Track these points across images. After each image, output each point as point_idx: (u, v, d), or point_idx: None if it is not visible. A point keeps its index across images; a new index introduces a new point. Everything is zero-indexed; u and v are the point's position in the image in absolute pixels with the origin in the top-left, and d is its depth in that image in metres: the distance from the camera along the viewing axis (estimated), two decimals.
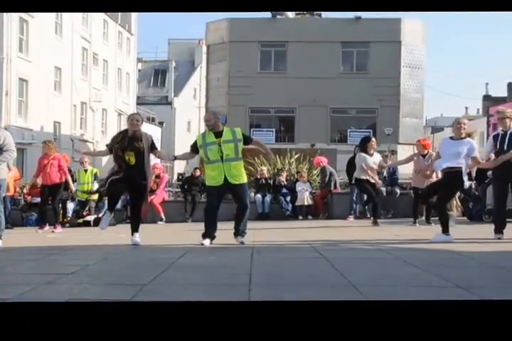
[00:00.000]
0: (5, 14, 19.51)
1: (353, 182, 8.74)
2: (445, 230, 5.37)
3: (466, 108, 45.86)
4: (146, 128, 35.90)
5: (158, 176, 10.80)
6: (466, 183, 5.64)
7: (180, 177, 19.26)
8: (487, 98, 35.08)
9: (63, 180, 8.51)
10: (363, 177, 8.14)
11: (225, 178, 5.26)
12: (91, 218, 10.26)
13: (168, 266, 3.77)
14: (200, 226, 5.84)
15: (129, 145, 5.32)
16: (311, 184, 11.17)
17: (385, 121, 22.62)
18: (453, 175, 5.42)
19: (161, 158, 5.96)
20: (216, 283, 3.16)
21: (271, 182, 11.07)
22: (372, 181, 8.16)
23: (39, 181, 11.08)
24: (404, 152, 19.65)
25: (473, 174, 9.95)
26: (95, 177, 10.65)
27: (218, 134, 5.31)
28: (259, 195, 10.68)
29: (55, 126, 23.57)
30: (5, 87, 19.79)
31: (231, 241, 5.53)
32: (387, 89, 22.17)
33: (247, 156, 6.79)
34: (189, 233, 7.08)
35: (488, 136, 31.18)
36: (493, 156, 5.91)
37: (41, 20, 21.55)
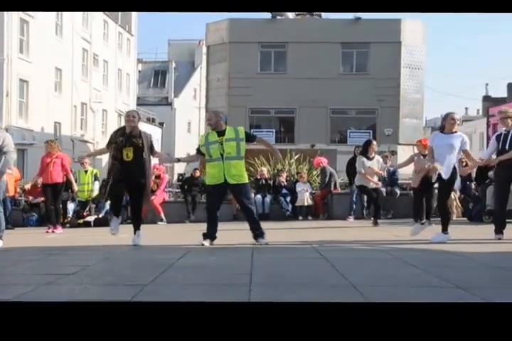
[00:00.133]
0: (5, 15, 19.53)
1: (355, 185, 8.78)
2: (445, 229, 5.38)
3: (466, 108, 45.94)
4: (147, 128, 35.97)
5: (158, 177, 10.82)
6: (457, 182, 5.61)
7: (180, 177, 19.25)
8: (487, 98, 35.11)
9: (65, 179, 8.52)
10: (364, 184, 8.19)
11: (225, 178, 5.24)
12: (91, 218, 10.28)
13: (168, 267, 3.77)
14: (201, 227, 5.84)
15: (127, 141, 5.31)
16: (311, 184, 11.18)
17: (385, 122, 22.62)
18: (447, 179, 5.44)
19: (161, 161, 5.94)
20: (216, 284, 3.16)
21: (271, 182, 11.07)
22: (373, 186, 8.20)
23: (39, 181, 11.11)
24: (404, 152, 19.66)
25: (473, 175, 9.97)
26: (95, 177, 10.66)
27: (221, 133, 5.31)
28: (259, 196, 10.68)
29: (56, 126, 23.59)
30: (5, 87, 19.81)
31: (231, 241, 5.54)
32: (387, 89, 22.17)
33: (247, 157, 6.80)
34: (189, 233, 7.09)
35: (488, 136, 31.25)
36: (494, 157, 5.92)
37: (42, 21, 21.58)
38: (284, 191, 10.92)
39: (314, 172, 11.83)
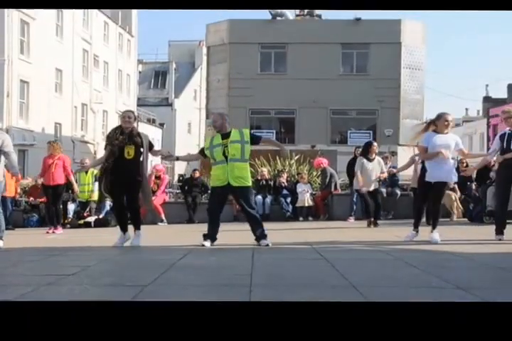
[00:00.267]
0: (6, 16, 19.56)
1: (354, 188, 8.80)
2: (435, 228, 5.41)
3: (467, 109, 45.88)
4: (147, 129, 36.01)
5: (158, 177, 10.82)
6: (454, 178, 5.61)
7: (180, 178, 19.27)
8: (487, 99, 35.10)
9: (66, 181, 8.53)
10: (360, 188, 8.21)
11: (228, 180, 5.23)
12: (92, 219, 10.28)
13: (168, 267, 3.77)
14: (201, 228, 5.85)
15: (129, 139, 5.32)
16: (311, 185, 11.19)
17: (386, 123, 22.63)
18: (442, 185, 5.45)
19: (162, 154, 5.92)
20: (217, 284, 3.16)
21: (271, 183, 11.08)
22: (370, 189, 8.19)
23: (40, 181, 11.12)
24: (404, 153, 19.66)
25: (474, 175, 9.97)
26: (96, 178, 10.66)
27: (225, 136, 5.30)
28: (259, 196, 10.68)
29: (56, 127, 23.61)
30: (6, 88, 19.83)
31: (232, 242, 5.54)
32: (388, 90, 22.18)
33: None
34: (190, 234, 7.09)
35: (488, 137, 31.24)
36: (494, 158, 5.92)
37: (42, 22, 21.61)
38: (285, 192, 10.92)
39: (315, 173, 11.83)
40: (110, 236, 7.04)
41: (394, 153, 19.23)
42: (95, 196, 10.51)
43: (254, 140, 5.42)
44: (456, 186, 9.49)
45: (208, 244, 5.27)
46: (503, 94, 33.34)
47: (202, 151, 5.61)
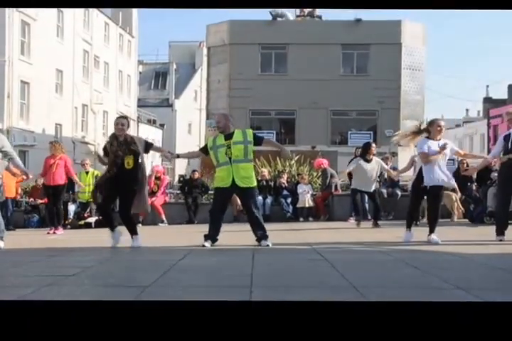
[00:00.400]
0: (7, 17, 19.58)
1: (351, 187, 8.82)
2: (433, 231, 5.43)
3: (467, 110, 45.91)
4: (147, 130, 35.97)
5: (158, 178, 10.83)
6: (451, 182, 5.62)
7: (181, 179, 19.28)
8: (487, 100, 35.11)
9: (66, 181, 8.55)
10: (358, 188, 8.21)
11: (233, 180, 5.21)
12: (92, 220, 10.28)
13: (169, 268, 3.77)
14: (201, 228, 5.85)
15: (127, 149, 5.31)
16: (312, 186, 11.19)
17: (386, 123, 22.63)
18: (438, 189, 5.46)
19: (166, 156, 5.92)
20: (217, 285, 3.16)
21: (272, 184, 11.08)
22: (370, 190, 8.18)
23: (40, 182, 11.12)
24: (405, 154, 19.66)
25: (474, 176, 9.97)
26: (96, 179, 10.67)
27: (228, 136, 5.29)
28: (260, 197, 10.67)
29: (57, 128, 23.62)
30: (7, 89, 19.84)
31: (232, 242, 5.54)
32: (388, 91, 22.19)
33: None
34: (190, 234, 7.09)
35: (488, 137, 31.24)
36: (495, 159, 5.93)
37: (43, 23, 21.63)
38: (285, 192, 10.93)
39: (315, 174, 11.84)
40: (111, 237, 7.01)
41: (394, 154, 19.23)
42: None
43: (257, 141, 5.41)
44: (456, 187, 9.49)
45: (208, 244, 5.27)
46: (503, 94, 33.39)
47: (203, 149, 5.59)
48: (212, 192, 11.36)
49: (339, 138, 23.27)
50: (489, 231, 5.79)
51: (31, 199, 11.10)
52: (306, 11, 24.59)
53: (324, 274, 3.49)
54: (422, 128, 5.68)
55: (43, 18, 21.54)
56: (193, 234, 6.49)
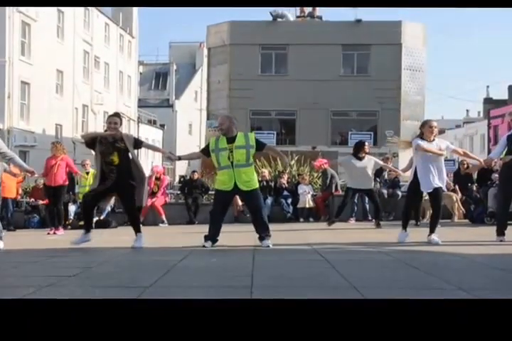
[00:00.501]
0: (7, 18, 19.60)
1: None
2: (433, 232, 5.45)
3: (467, 110, 45.91)
4: (148, 130, 35.92)
5: (158, 178, 10.83)
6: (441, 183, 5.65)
7: (181, 179, 19.28)
8: (488, 101, 35.11)
9: (67, 182, 8.57)
10: (353, 186, 8.20)
11: (235, 184, 5.22)
12: (92, 220, 10.27)
13: (169, 269, 3.77)
14: (201, 229, 5.85)
15: (111, 148, 5.32)
16: (312, 186, 11.19)
17: (386, 124, 22.62)
18: (437, 191, 5.47)
19: (170, 158, 5.92)
20: (218, 285, 3.16)
21: (272, 184, 11.08)
22: (362, 188, 8.16)
23: (40, 182, 11.12)
24: (405, 154, 19.66)
25: (475, 176, 9.97)
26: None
27: (231, 140, 5.27)
28: None
29: (57, 128, 23.63)
30: (7, 89, 19.86)
31: (232, 243, 5.54)
32: (388, 91, 22.19)
33: None
34: (191, 235, 7.09)
35: (489, 138, 31.23)
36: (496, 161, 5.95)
37: (43, 24, 21.65)
38: (285, 193, 10.92)
39: (315, 175, 11.84)
40: (111, 237, 7.04)
41: (395, 155, 19.23)
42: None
43: (259, 146, 5.41)
44: (457, 187, 9.50)
45: (208, 245, 5.28)
46: (503, 95, 33.37)
47: (204, 150, 5.58)
48: (212, 192, 11.42)
49: (339, 139, 23.26)
50: (490, 231, 5.78)
51: (32, 199, 11.10)
52: (307, 11, 24.60)
53: (324, 275, 3.49)
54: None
55: (43, 18, 21.56)
56: (194, 235, 6.48)
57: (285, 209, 10.75)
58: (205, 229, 5.57)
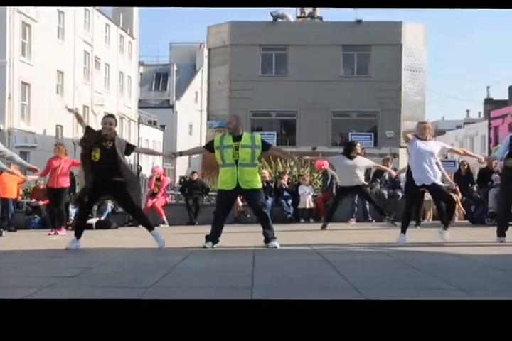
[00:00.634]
0: (8, 18, 19.61)
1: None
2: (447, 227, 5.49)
3: (468, 111, 45.92)
4: (148, 131, 35.88)
5: (158, 179, 10.84)
6: (437, 181, 5.67)
7: (182, 180, 19.29)
8: (488, 101, 35.09)
9: (70, 184, 8.60)
10: (343, 185, 8.21)
11: (238, 183, 5.22)
12: (93, 221, 10.27)
13: (170, 269, 3.78)
14: (202, 229, 5.85)
15: (96, 143, 5.31)
16: (313, 187, 11.20)
17: (386, 125, 22.63)
18: (438, 189, 5.49)
19: (163, 155, 5.94)
20: (218, 286, 3.17)
21: (272, 185, 11.08)
22: (352, 185, 8.16)
23: (40, 183, 11.12)
24: (405, 155, 19.65)
25: (475, 177, 9.97)
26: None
27: (237, 138, 5.29)
28: None
29: (58, 129, 23.64)
30: (8, 90, 19.87)
31: (233, 243, 5.55)
32: (388, 92, 22.19)
33: None
34: (191, 236, 7.09)
35: (489, 138, 31.21)
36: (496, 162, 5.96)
37: (43, 25, 21.66)
38: (286, 194, 10.93)
39: (316, 175, 11.84)
40: (111, 238, 7.04)
41: (395, 155, 19.23)
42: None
43: (265, 147, 5.43)
44: (457, 188, 9.50)
45: (209, 245, 5.28)
46: (504, 95, 33.36)
47: (209, 146, 5.56)
48: (212, 193, 11.42)
49: (340, 140, 23.26)
50: (490, 232, 5.79)
51: (33, 200, 11.11)
52: (307, 12, 24.61)
53: (325, 275, 3.50)
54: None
55: (43, 19, 21.57)
56: (194, 235, 6.49)
57: (285, 210, 10.75)
58: (205, 229, 5.58)
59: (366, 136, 22.27)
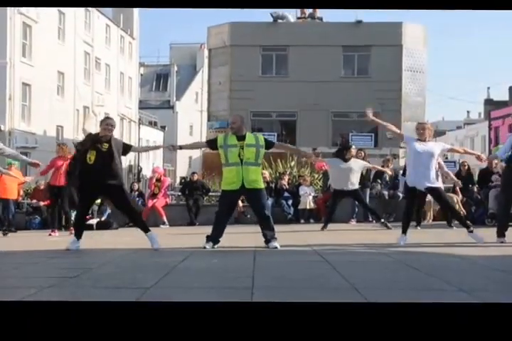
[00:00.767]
0: (8, 19, 19.63)
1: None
2: (468, 227, 5.48)
3: (468, 112, 45.93)
4: (149, 132, 35.88)
5: (159, 180, 10.84)
6: (440, 184, 5.67)
7: (182, 180, 19.31)
8: (489, 102, 35.11)
9: None
10: (337, 188, 8.23)
11: (243, 183, 5.23)
12: (93, 221, 10.28)
13: (170, 270, 3.78)
14: (202, 230, 5.85)
15: (92, 145, 5.32)
16: (313, 188, 11.20)
17: None
18: (437, 190, 5.50)
19: (162, 148, 5.90)
20: (219, 287, 3.17)
21: (272, 185, 11.08)
22: (347, 189, 8.15)
23: (40, 184, 11.12)
24: (405, 156, 19.64)
25: (476, 178, 9.97)
26: None
27: (241, 138, 5.31)
28: None
29: (58, 130, 23.66)
30: (8, 91, 19.89)
31: (233, 244, 5.55)
32: (389, 93, 22.20)
33: None
34: (191, 236, 7.09)
35: (490, 139, 31.21)
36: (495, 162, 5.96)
37: (44, 25, 21.68)
38: (286, 194, 10.93)
39: (316, 176, 11.84)
40: (112, 238, 7.05)
41: (395, 156, 19.25)
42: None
43: (268, 145, 5.45)
44: (458, 189, 9.50)
45: (209, 246, 5.28)
46: (504, 96, 33.36)
47: (211, 143, 5.55)
48: (213, 193, 11.42)
49: (340, 140, 23.26)
50: (490, 233, 5.78)
51: (33, 200, 11.11)
52: (307, 12, 24.63)
53: (325, 276, 3.49)
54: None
55: (44, 20, 21.59)
56: (194, 236, 6.49)
57: (286, 211, 10.74)
58: (206, 230, 5.58)
59: (367, 136, 22.33)
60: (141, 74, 37.67)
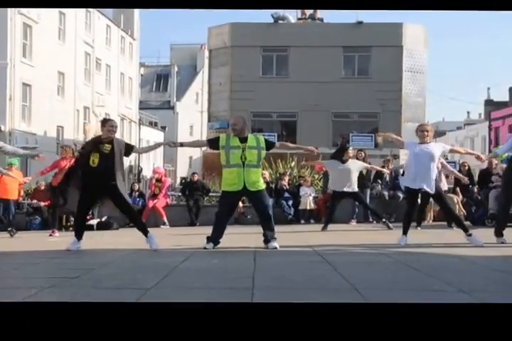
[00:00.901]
0: (9, 20, 19.65)
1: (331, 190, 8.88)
2: (466, 230, 5.47)
3: (468, 112, 45.89)
4: (149, 132, 35.90)
5: (159, 180, 10.84)
6: (444, 186, 5.68)
7: (182, 181, 19.33)
8: (489, 102, 35.12)
9: None
10: (336, 189, 8.24)
11: (244, 184, 5.24)
12: (94, 222, 10.29)
13: (171, 270, 3.78)
14: (203, 230, 5.85)
15: (94, 147, 5.33)
16: (314, 188, 11.20)
17: (387, 126, 22.59)
18: (438, 191, 5.50)
19: (163, 144, 5.88)
20: (219, 287, 3.17)
21: (273, 186, 11.09)
22: (346, 190, 8.15)
23: (41, 184, 11.12)
24: (406, 156, 19.64)
25: (476, 178, 9.97)
26: None
27: (243, 140, 5.31)
28: None
29: (58, 130, 23.67)
30: (9, 91, 19.91)
31: (234, 244, 5.55)
32: (389, 93, 22.21)
33: None
34: (192, 237, 7.10)
35: (490, 140, 31.21)
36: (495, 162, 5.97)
37: (45, 26, 21.70)
38: (286, 195, 10.93)
39: (316, 176, 11.85)
40: (112, 239, 7.05)
41: (396, 156, 19.24)
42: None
43: (269, 146, 5.46)
44: (458, 189, 9.50)
45: (209, 246, 5.28)
46: (504, 97, 33.36)
47: (212, 142, 5.56)
48: (213, 194, 11.42)
49: (341, 141, 23.26)
50: (490, 233, 5.78)
51: (34, 201, 11.11)
52: (308, 13, 24.64)
53: (326, 276, 3.50)
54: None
55: (44, 20, 21.61)
56: (195, 236, 6.49)
57: (286, 211, 10.75)
58: (206, 230, 5.58)
59: (367, 137, 22.33)
60: (142, 75, 37.70)
